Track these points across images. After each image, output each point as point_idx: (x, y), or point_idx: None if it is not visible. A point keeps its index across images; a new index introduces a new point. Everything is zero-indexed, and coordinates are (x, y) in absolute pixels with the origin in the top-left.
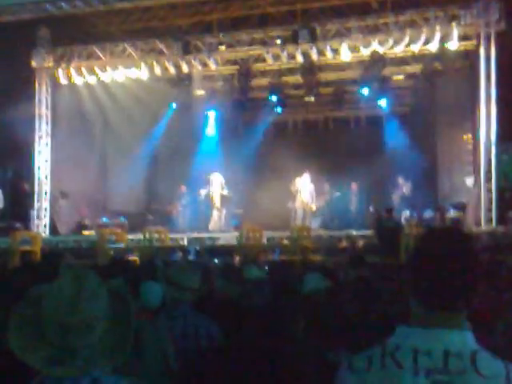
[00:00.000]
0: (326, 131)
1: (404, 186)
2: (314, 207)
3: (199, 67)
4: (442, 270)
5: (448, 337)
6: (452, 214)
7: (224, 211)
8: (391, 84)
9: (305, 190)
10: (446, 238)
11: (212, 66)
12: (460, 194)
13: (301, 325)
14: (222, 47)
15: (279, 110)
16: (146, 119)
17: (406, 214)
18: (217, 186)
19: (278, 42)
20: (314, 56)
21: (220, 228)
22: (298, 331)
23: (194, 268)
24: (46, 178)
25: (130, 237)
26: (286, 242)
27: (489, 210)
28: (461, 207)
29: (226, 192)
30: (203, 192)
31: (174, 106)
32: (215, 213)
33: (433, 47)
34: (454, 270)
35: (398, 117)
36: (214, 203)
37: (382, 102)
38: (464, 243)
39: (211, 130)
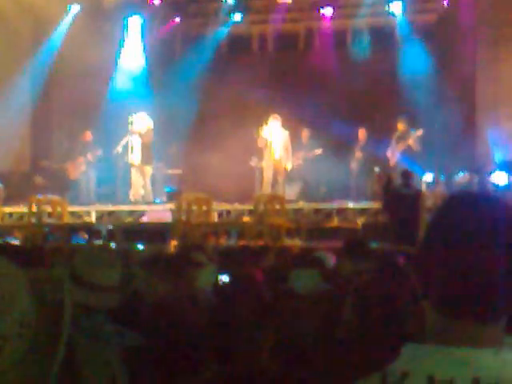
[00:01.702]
0: (308, 50)
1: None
2: (288, 165)
3: None
4: (472, 260)
5: (479, 359)
6: (497, 177)
7: (151, 171)
8: None
9: (276, 140)
10: (478, 211)
11: None
12: (509, 150)
13: (267, 345)
14: None
15: (238, 16)
16: (30, 31)
17: (429, 177)
18: (142, 132)
19: None
20: None
21: (146, 198)
22: (262, 355)
23: (111, 257)
24: None
25: (7, 210)
26: (247, 218)
27: None
28: (510, 168)
29: (150, 140)
30: (122, 143)
31: (75, 9)
32: (137, 175)
33: None
34: (490, 261)
35: (419, 30)
36: (135, 160)
37: (395, 7)
38: (508, 218)
39: (133, 45)
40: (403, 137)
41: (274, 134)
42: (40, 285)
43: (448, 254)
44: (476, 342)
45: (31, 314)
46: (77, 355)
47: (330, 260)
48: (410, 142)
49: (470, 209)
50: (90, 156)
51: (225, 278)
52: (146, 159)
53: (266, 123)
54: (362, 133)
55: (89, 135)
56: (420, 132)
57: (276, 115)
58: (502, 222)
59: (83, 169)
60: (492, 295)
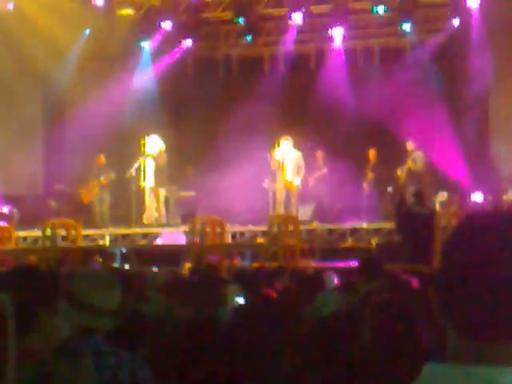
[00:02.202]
0: (319, 71)
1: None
2: (295, 183)
3: None
4: (490, 279)
5: (501, 378)
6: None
7: (164, 194)
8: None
9: (288, 162)
10: (495, 230)
11: None
12: None
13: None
14: None
15: (249, 38)
16: (45, 55)
17: (443, 196)
18: (154, 155)
19: None
20: None
21: (160, 220)
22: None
23: (109, 278)
24: None
25: (22, 234)
26: (260, 239)
27: None
28: None
29: (163, 162)
30: (135, 166)
31: (87, 32)
32: (150, 197)
33: None
34: (508, 279)
35: (430, 49)
36: (148, 182)
37: (406, 26)
38: None
39: (145, 69)
40: (410, 157)
41: (286, 155)
42: None
43: (469, 273)
44: (499, 361)
45: None
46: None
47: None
48: (409, 163)
49: (491, 228)
50: (103, 179)
51: (240, 300)
52: (159, 182)
53: (278, 145)
54: (372, 153)
55: (102, 159)
56: (419, 153)
57: (287, 136)
58: None
59: (97, 192)
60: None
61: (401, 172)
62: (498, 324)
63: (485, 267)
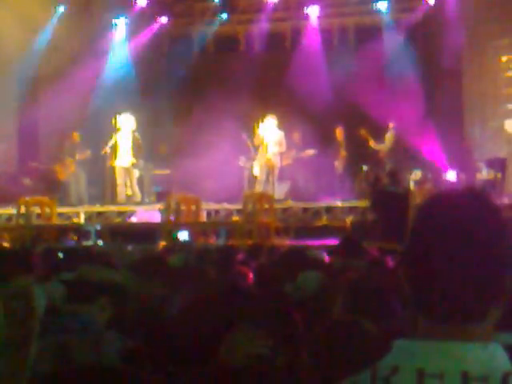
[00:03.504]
0: (295, 49)
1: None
2: (275, 161)
3: None
4: (453, 260)
5: (468, 353)
6: (485, 174)
7: (137, 172)
8: None
9: (270, 140)
10: (459, 209)
11: None
12: (497, 146)
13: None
14: None
15: (224, 15)
16: (17, 31)
17: (417, 175)
18: (127, 133)
19: None
20: None
21: (134, 198)
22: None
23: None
24: None
25: None
26: (236, 217)
27: None
28: (498, 164)
29: (140, 142)
30: (109, 143)
31: (62, 9)
32: (123, 175)
33: None
34: (472, 260)
35: (404, 28)
36: (121, 160)
37: (381, 5)
38: (490, 215)
39: (120, 46)
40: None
41: (269, 133)
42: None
43: (431, 254)
44: (465, 336)
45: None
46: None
47: (324, 259)
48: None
49: (454, 207)
50: (78, 157)
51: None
52: (132, 160)
53: (263, 122)
54: (339, 131)
55: (76, 136)
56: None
57: (273, 115)
58: (486, 221)
59: (72, 170)
60: (477, 293)
61: (378, 148)
62: (466, 306)
63: (445, 248)
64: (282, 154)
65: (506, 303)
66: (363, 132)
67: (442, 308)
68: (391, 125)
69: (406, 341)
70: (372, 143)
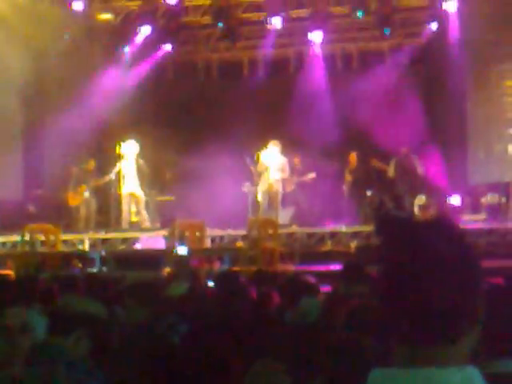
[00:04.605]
0: (299, 75)
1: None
2: (278, 187)
3: None
4: (422, 287)
5: (444, 378)
6: (489, 198)
7: (143, 198)
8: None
9: (273, 166)
10: (428, 239)
11: None
12: (502, 170)
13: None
14: None
15: (228, 42)
16: (22, 60)
17: (422, 199)
18: (132, 160)
19: None
20: None
21: (142, 224)
22: None
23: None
24: None
25: (0, 239)
26: (240, 243)
27: None
28: (502, 188)
29: (145, 168)
30: (114, 170)
31: (67, 37)
32: (129, 201)
33: None
34: (442, 287)
35: (408, 53)
36: (126, 187)
37: (385, 31)
38: (457, 243)
39: (125, 72)
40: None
41: (272, 159)
42: None
43: (403, 283)
44: (439, 361)
45: None
46: None
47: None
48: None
49: (424, 237)
50: (94, 183)
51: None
52: (137, 186)
53: (266, 148)
54: (352, 157)
55: (92, 164)
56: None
57: (276, 141)
58: (453, 249)
59: (86, 196)
60: (449, 318)
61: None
62: (437, 329)
63: (416, 274)
64: (284, 180)
65: (482, 329)
66: (375, 162)
67: (415, 332)
68: (402, 150)
69: (381, 370)
70: (383, 167)
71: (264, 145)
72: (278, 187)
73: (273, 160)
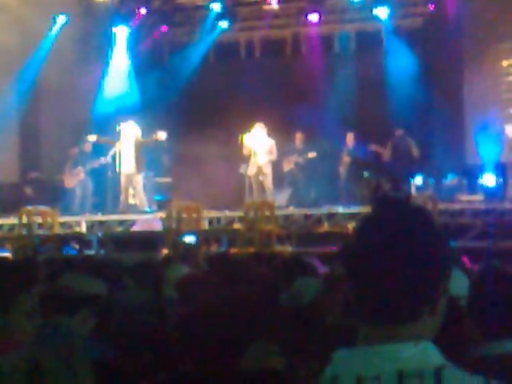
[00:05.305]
0: (296, 56)
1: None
2: (266, 169)
3: None
4: (384, 263)
5: (401, 353)
6: (486, 180)
7: (141, 181)
8: None
9: (260, 148)
10: (394, 218)
11: None
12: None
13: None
14: None
15: (225, 24)
16: (18, 40)
17: (418, 180)
18: (130, 141)
19: None
20: None
21: (140, 206)
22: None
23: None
24: None
25: None
26: (237, 225)
27: None
28: (499, 169)
29: (139, 148)
30: (111, 152)
31: (62, 19)
32: (127, 182)
33: None
34: (407, 265)
35: (405, 34)
36: (124, 169)
37: (381, 12)
38: (423, 222)
39: (120, 55)
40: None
41: (258, 141)
42: None
43: (361, 261)
44: (398, 338)
45: None
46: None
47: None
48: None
49: (390, 216)
50: (90, 165)
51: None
52: (135, 168)
53: (250, 131)
54: (349, 137)
55: (88, 146)
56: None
57: (261, 124)
58: (420, 227)
59: (82, 178)
60: (410, 295)
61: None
62: (396, 308)
63: (379, 252)
64: (273, 162)
65: (444, 310)
66: (376, 148)
67: (378, 310)
68: (397, 132)
69: (344, 350)
70: (381, 150)
71: (249, 128)
72: (268, 170)
73: (260, 143)
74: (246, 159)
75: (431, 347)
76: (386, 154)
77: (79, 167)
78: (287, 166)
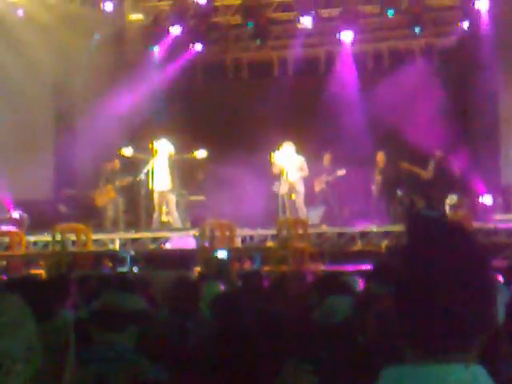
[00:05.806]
0: (329, 75)
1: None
2: (298, 187)
3: None
4: (435, 296)
5: (451, 375)
6: None
7: (174, 198)
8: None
9: (290, 166)
10: (444, 247)
11: None
12: None
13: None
14: None
15: (258, 41)
16: (54, 59)
17: (453, 199)
18: (163, 159)
19: None
20: None
21: (173, 224)
22: None
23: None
24: None
25: (32, 238)
26: (270, 243)
27: None
28: None
29: (172, 166)
30: (144, 170)
31: (97, 38)
32: (160, 200)
33: None
34: (458, 297)
35: (439, 52)
36: (158, 186)
37: (415, 30)
38: (472, 253)
39: (153, 74)
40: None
41: (288, 159)
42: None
43: (410, 294)
44: (450, 359)
45: (36, 342)
46: None
47: (358, 284)
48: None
49: (439, 246)
50: (119, 182)
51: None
52: (169, 185)
53: (279, 149)
54: (380, 157)
55: (117, 164)
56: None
57: (289, 142)
58: (469, 258)
59: (112, 196)
60: (465, 329)
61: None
62: (449, 341)
63: (430, 283)
64: (304, 179)
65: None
66: (405, 165)
67: (430, 339)
68: (438, 153)
69: (393, 368)
70: (415, 169)
71: (278, 146)
72: (300, 187)
73: (290, 161)
74: (278, 177)
75: (482, 371)
76: (428, 173)
77: (109, 185)
78: (318, 186)
